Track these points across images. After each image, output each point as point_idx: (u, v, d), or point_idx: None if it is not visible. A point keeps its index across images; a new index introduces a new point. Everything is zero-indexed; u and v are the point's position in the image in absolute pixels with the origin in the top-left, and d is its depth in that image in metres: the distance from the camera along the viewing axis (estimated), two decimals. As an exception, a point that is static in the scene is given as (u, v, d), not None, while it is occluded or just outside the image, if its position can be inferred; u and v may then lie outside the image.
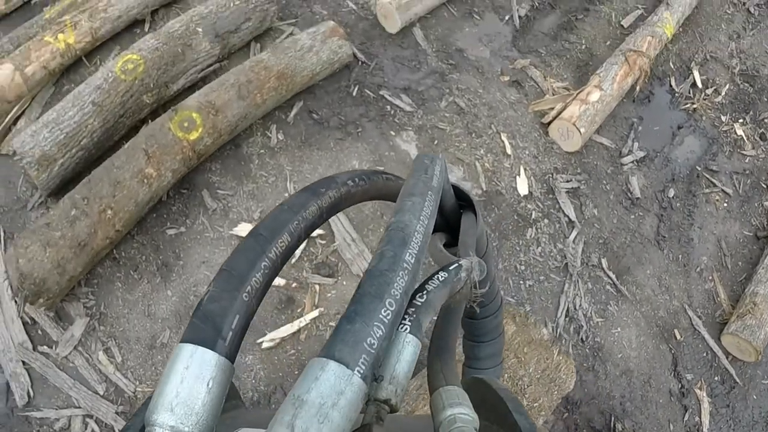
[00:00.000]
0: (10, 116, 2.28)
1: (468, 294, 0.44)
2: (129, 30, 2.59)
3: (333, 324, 2.03)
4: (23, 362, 1.84)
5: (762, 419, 2.29)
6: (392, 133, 2.48)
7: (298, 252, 2.12)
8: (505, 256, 2.30)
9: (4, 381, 1.83)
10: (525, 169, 2.51)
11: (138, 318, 1.95)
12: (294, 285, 2.07)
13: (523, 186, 2.45)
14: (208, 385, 0.28)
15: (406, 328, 0.35)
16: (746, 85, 3.18)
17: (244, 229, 2.14)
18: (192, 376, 0.28)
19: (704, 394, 2.25)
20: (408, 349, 0.34)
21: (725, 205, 2.73)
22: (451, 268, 0.42)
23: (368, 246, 2.17)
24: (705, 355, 2.35)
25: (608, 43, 3.07)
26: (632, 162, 2.69)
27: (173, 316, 1.96)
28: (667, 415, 2.17)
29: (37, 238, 1.82)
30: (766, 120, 3.06)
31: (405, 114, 2.54)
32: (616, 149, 2.72)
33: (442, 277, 0.40)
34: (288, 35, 2.70)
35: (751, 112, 3.07)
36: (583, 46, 3.03)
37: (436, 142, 2.50)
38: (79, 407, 1.79)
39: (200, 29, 2.37)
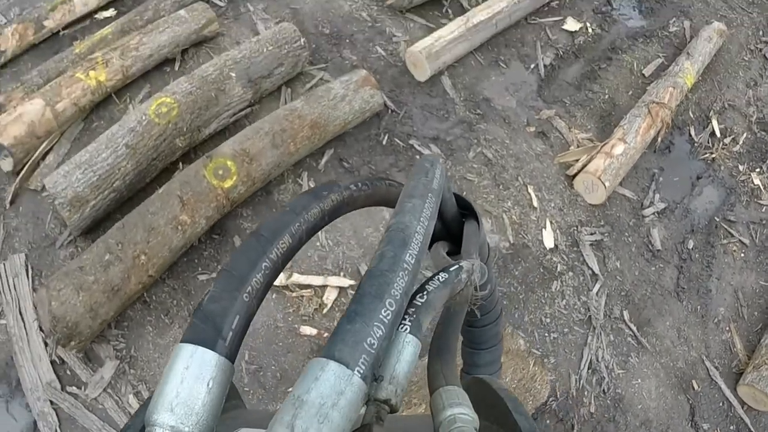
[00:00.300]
0: (39, 151, 2.29)
1: (469, 296, 0.45)
2: (159, 68, 2.61)
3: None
4: (51, 402, 1.84)
5: (776, 470, 2.37)
6: (422, 184, 2.56)
7: (329, 302, 2.16)
8: (531, 308, 2.37)
9: (32, 420, 1.83)
10: (551, 222, 2.58)
11: (169, 363, 2.02)
12: (325, 335, 2.10)
13: (549, 239, 2.52)
14: (208, 385, 0.29)
15: (406, 328, 0.35)
16: (763, 133, 3.25)
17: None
18: (192, 376, 0.29)
19: (720, 445, 2.33)
20: (408, 349, 0.34)
21: (742, 255, 2.80)
22: (451, 269, 0.42)
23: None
24: (721, 404, 2.42)
25: (630, 92, 3.12)
26: (653, 214, 2.74)
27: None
28: (685, 467, 2.26)
29: (70, 282, 1.83)
30: (781, 169, 3.14)
31: (434, 165, 2.62)
32: (638, 201, 2.77)
33: (442, 277, 0.40)
34: (318, 80, 2.73)
35: (767, 161, 3.16)
36: (606, 96, 3.08)
37: (465, 193, 2.58)
38: (109, 450, 1.79)
39: (233, 74, 2.38)
